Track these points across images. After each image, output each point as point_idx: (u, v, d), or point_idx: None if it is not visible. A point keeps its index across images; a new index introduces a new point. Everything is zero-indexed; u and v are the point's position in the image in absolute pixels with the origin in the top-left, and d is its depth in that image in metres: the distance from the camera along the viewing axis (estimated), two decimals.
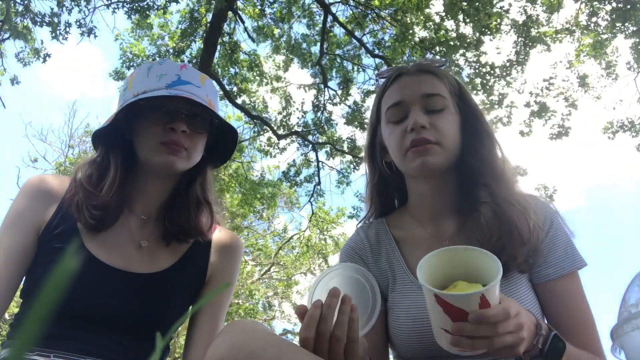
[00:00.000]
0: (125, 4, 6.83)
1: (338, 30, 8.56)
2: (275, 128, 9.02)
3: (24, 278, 1.09)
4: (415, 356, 1.03)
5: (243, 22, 8.00)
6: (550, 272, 1.00)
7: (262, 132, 9.33)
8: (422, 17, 7.89)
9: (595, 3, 6.98)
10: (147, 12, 7.16)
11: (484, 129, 1.10)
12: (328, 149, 9.40)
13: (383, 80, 1.19)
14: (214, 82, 1.21)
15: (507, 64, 7.65)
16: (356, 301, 0.80)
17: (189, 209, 1.16)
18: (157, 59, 8.01)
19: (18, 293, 1.09)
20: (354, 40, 8.32)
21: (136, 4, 6.81)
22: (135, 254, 1.12)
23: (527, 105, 7.89)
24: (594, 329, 0.97)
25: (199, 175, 1.20)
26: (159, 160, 1.08)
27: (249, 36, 8.31)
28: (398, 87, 1.11)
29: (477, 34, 7.36)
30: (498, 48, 7.83)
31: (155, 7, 7.13)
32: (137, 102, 1.06)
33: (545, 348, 0.82)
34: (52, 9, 6.54)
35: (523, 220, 0.99)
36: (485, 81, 7.68)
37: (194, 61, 8.11)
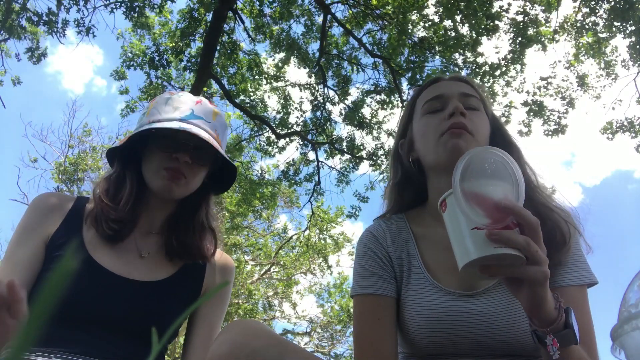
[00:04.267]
0: (123, 3, 6.82)
1: (337, 30, 8.57)
2: (274, 127, 9.02)
3: None
4: (425, 352, 1.03)
5: (243, 22, 8.00)
6: (558, 280, 1.00)
7: (261, 132, 9.33)
8: (419, 17, 7.90)
9: (592, 3, 6.99)
10: (143, 11, 7.16)
11: (514, 144, 1.16)
12: (327, 148, 9.41)
13: (418, 88, 1.25)
14: (224, 116, 1.31)
15: (502, 62, 7.66)
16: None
17: (194, 232, 1.24)
18: (156, 57, 8.05)
19: None
20: (353, 40, 8.33)
21: (133, 3, 6.80)
22: (136, 263, 1.18)
23: (525, 104, 7.91)
24: (594, 343, 0.97)
25: (204, 202, 1.29)
26: (159, 184, 1.17)
27: (249, 36, 8.31)
28: (437, 86, 1.17)
29: (475, 35, 7.36)
30: (497, 47, 7.85)
31: (152, 4, 7.13)
32: (150, 129, 1.15)
33: (566, 327, 0.80)
34: (49, 8, 6.54)
35: (563, 224, 1.01)
36: (483, 81, 7.69)
37: (193, 60, 8.12)
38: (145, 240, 1.22)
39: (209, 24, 7.33)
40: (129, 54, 8.30)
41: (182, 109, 1.20)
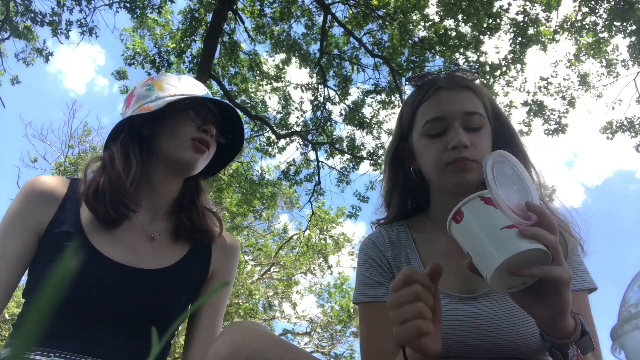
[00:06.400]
0: (126, 3, 6.83)
1: (337, 30, 8.58)
2: (274, 127, 9.02)
3: (27, 278, 1.09)
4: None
5: (243, 22, 8.00)
6: None
7: (261, 132, 9.33)
8: (420, 17, 7.90)
9: (592, 2, 6.99)
10: (144, 12, 7.17)
11: (519, 147, 1.13)
12: (327, 148, 9.41)
13: (416, 86, 1.19)
14: None
15: (503, 62, 7.66)
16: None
17: (199, 211, 1.24)
18: (157, 58, 8.06)
19: (20, 293, 1.09)
20: (353, 40, 8.33)
21: (133, 3, 6.81)
22: (144, 249, 1.13)
23: (525, 103, 7.91)
24: (599, 347, 0.96)
25: (198, 185, 1.28)
26: (186, 155, 1.15)
27: (249, 36, 8.32)
28: (438, 101, 1.11)
29: (476, 34, 7.36)
30: (497, 47, 7.85)
31: (152, 5, 7.13)
32: (176, 101, 1.14)
33: (582, 334, 0.79)
34: (52, 8, 6.55)
35: (561, 237, 1.00)
36: (485, 81, 7.69)
37: (194, 61, 8.12)
38: (153, 222, 1.18)
39: (209, 24, 7.33)
40: (130, 52, 8.31)
41: (199, 87, 1.24)
